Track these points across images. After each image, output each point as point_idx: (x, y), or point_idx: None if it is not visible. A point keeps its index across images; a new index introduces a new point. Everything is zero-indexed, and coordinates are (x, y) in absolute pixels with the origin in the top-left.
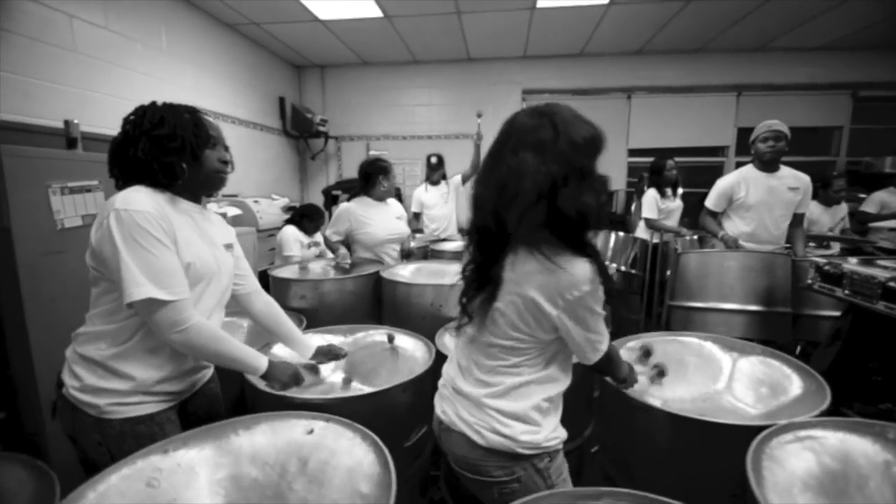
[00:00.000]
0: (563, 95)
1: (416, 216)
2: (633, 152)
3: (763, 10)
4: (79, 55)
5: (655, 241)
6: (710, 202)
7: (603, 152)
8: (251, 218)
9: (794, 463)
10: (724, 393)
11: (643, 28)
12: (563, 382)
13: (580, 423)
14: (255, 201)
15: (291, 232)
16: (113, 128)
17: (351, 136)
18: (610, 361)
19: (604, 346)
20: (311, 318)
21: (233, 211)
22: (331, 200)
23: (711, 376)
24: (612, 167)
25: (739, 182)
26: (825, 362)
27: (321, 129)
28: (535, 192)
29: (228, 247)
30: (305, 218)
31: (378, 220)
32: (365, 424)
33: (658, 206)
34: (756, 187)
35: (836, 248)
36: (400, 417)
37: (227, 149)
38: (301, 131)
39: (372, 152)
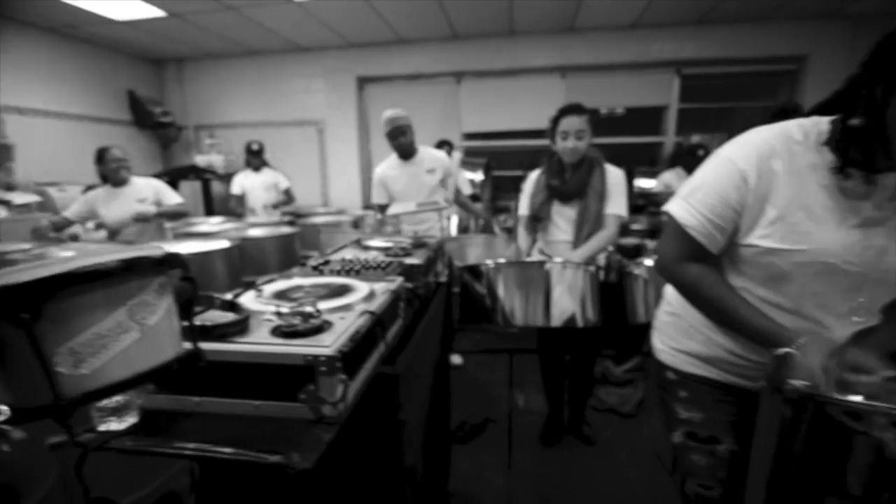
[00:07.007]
0: (396, 81)
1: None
2: (468, 137)
3: None
4: None
5: None
6: (373, 195)
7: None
8: (52, 204)
9: None
10: None
11: (432, 14)
12: None
13: None
14: (62, 189)
15: None
16: None
17: (204, 125)
18: None
19: None
20: None
21: (21, 199)
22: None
23: None
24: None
25: (388, 173)
26: None
27: (163, 120)
28: None
29: None
30: None
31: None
32: None
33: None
34: (399, 177)
35: None
36: None
37: None
38: (145, 123)
39: (207, 140)
